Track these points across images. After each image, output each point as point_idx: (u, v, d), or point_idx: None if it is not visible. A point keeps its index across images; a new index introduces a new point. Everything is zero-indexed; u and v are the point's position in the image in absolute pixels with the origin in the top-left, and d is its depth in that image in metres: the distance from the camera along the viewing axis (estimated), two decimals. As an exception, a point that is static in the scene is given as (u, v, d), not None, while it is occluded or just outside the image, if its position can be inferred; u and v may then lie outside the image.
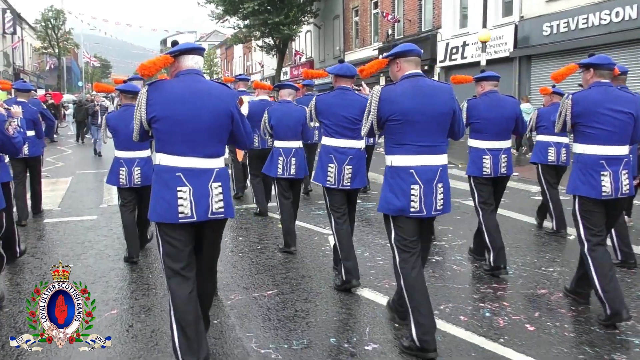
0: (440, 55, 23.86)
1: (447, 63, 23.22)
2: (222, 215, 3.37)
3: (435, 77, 24.00)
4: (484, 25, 15.30)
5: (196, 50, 3.46)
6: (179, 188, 3.25)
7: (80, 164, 15.51)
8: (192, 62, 3.42)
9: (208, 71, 65.30)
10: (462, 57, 22.25)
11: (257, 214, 8.33)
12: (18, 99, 7.82)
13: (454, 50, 22.90)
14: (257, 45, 37.35)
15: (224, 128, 3.41)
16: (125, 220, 6.04)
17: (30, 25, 48.79)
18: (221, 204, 3.34)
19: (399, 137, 3.72)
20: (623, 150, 4.28)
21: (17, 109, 5.72)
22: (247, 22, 34.40)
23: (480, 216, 5.52)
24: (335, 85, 5.16)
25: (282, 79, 35.85)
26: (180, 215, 3.25)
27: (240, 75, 10.91)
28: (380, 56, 4.34)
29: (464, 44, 22.18)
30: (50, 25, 49.00)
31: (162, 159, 3.32)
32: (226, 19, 36.30)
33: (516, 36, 19.33)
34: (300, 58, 39.24)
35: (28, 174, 8.19)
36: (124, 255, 6.06)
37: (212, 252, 3.57)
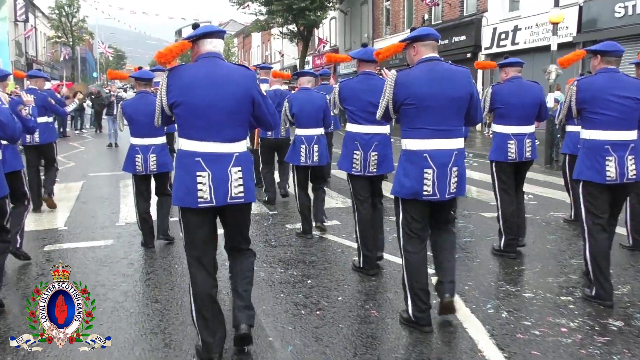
0: (485, 42, 21.73)
1: (495, 50, 21.04)
2: (242, 200, 3.35)
3: (480, 66, 21.93)
4: (556, 4, 13.26)
5: (215, 34, 3.42)
6: (198, 173, 3.24)
7: (93, 164, 13.69)
8: (210, 46, 3.38)
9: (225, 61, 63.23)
10: (513, 43, 20.11)
11: (266, 202, 8.32)
12: (30, 86, 8.00)
13: (503, 36, 20.77)
14: (280, 32, 35.30)
15: (245, 112, 3.38)
16: (140, 209, 6.12)
17: (44, 13, 47.04)
18: (241, 188, 3.32)
19: (414, 121, 3.70)
20: (630, 135, 4.30)
21: (28, 97, 5.80)
22: (270, 7, 32.30)
23: (499, 202, 5.61)
24: (358, 70, 5.09)
25: (305, 67, 33.81)
26: (199, 200, 3.26)
27: (262, 64, 10.79)
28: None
29: (515, 29, 20.06)
30: (64, 13, 47.11)
31: (183, 144, 3.33)
32: (247, 5, 34.33)
33: (580, 19, 17.22)
34: (324, 46, 37.18)
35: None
36: (140, 241, 6.16)
37: (239, 236, 3.58)
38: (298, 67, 34.56)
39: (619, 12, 15.59)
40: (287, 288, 4.80)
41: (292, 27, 33.73)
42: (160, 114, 3.42)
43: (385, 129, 4.97)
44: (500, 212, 5.60)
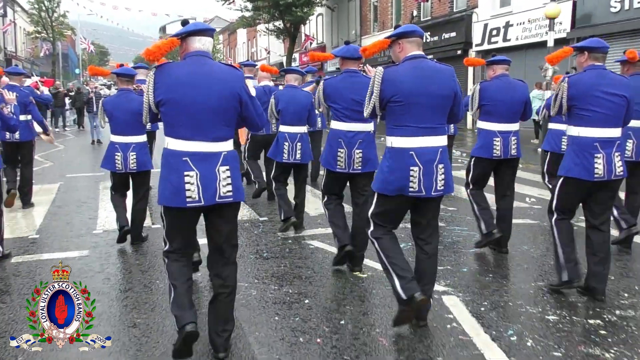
0: (476, 39, 21.33)
1: (486, 47, 20.68)
2: (231, 199, 3.33)
3: (471, 63, 21.49)
4: (552, -1, 12.93)
5: (204, 32, 3.38)
6: (186, 172, 3.21)
7: (71, 164, 13.06)
8: (199, 44, 3.35)
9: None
10: (505, 40, 19.75)
11: (256, 195, 8.27)
12: (10, 83, 7.83)
13: (494, 32, 20.39)
14: (267, 29, 34.63)
15: (232, 111, 3.34)
16: (115, 201, 6.11)
17: (23, 7, 45.90)
18: (229, 187, 3.29)
19: (399, 118, 3.67)
20: (616, 132, 4.34)
21: (10, 96, 5.73)
22: (256, 3, 31.65)
23: (469, 190, 5.76)
24: (341, 68, 5.07)
25: (292, 65, 33.18)
26: (187, 200, 3.23)
27: (246, 61, 10.72)
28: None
29: (507, 25, 19.68)
30: (43, 8, 45.93)
31: (170, 143, 3.29)
32: (232, 0, 33.64)
33: (574, 14, 16.86)
34: (311, 43, 36.58)
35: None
36: (117, 226, 6.03)
37: (226, 237, 3.46)
38: (285, 64, 33.94)
39: (615, 7, 15.24)
40: (283, 309, 4.27)
41: (279, 23, 33.10)
42: (148, 111, 3.37)
43: (369, 127, 4.96)
44: (472, 199, 5.75)
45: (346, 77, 4.96)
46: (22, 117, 7.68)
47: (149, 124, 3.74)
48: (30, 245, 6.20)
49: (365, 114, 3.85)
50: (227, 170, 3.29)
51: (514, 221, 6.92)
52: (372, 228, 3.91)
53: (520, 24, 19.00)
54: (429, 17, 24.80)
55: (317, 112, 5.75)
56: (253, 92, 8.29)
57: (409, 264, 3.82)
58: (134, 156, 5.83)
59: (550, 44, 13.42)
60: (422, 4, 24.95)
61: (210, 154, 3.25)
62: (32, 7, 46.40)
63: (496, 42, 20.14)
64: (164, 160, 3.33)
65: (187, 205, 3.23)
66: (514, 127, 5.60)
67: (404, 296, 3.66)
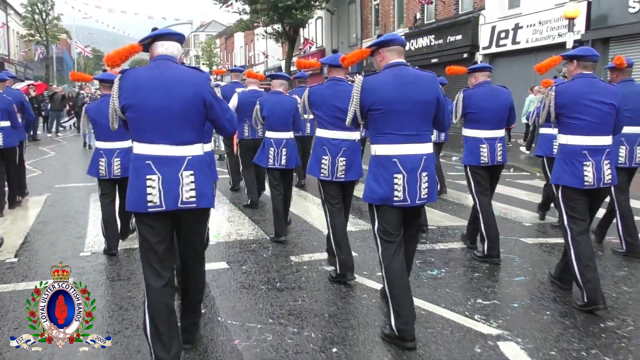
0: (483, 41, 20.61)
1: (494, 49, 19.99)
2: (194, 205, 3.23)
3: (477, 66, 20.78)
4: (569, -2, 12.22)
5: (166, 36, 3.38)
6: (148, 176, 3.17)
7: (61, 173, 12.24)
8: (162, 48, 3.35)
9: (207, 62, 61.74)
10: (514, 42, 19.03)
11: (247, 206, 8.29)
12: None
13: (503, 35, 19.67)
14: (265, 32, 33.86)
15: (196, 114, 3.28)
16: (105, 213, 5.94)
17: (16, 10, 45.04)
18: (192, 193, 3.21)
19: (382, 126, 3.68)
20: (605, 140, 4.35)
21: None
22: (254, 6, 30.87)
23: (478, 205, 5.61)
24: (328, 75, 5.09)
25: (291, 69, 32.44)
26: (149, 204, 3.16)
27: (233, 67, 10.75)
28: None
29: (516, 27, 18.96)
30: (37, 10, 45.03)
31: (135, 147, 3.28)
32: (231, 3, 32.87)
33: (589, 15, 16.14)
34: (310, 47, 35.86)
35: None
36: (103, 248, 5.94)
37: (193, 244, 3.45)
38: (283, 68, 33.23)
39: (633, 7, 14.50)
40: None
41: (278, 26, 32.33)
42: (115, 117, 3.37)
43: (354, 135, 4.95)
44: (480, 215, 5.59)
45: (331, 84, 4.97)
46: (4, 123, 7.57)
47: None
48: (6, 271, 5.40)
49: (347, 123, 3.85)
50: (191, 175, 3.20)
51: (555, 240, 6.25)
52: (380, 247, 3.81)
53: (531, 25, 18.28)
54: (433, 20, 24.07)
55: (304, 117, 5.72)
56: (235, 100, 7.90)
57: (412, 301, 3.73)
58: (118, 162, 5.77)
59: (569, 45, 12.71)
60: (425, 6, 24.23)
61: (173, 158, 3.18)
62: (25, 10, 45.55)
63: (505, 45, 19.44)
64: (131, 164, 3.29)
65: (149, 210, 3.14)
66: (500, 133, 5.62)
67: (396, 333, 3.66)
